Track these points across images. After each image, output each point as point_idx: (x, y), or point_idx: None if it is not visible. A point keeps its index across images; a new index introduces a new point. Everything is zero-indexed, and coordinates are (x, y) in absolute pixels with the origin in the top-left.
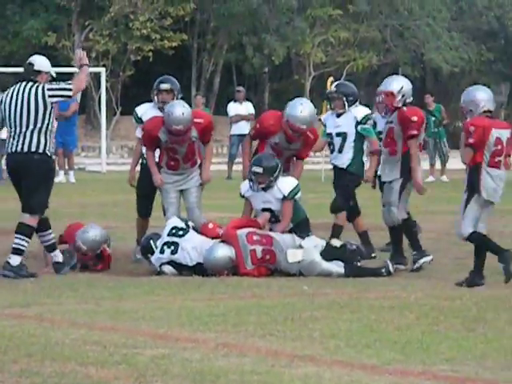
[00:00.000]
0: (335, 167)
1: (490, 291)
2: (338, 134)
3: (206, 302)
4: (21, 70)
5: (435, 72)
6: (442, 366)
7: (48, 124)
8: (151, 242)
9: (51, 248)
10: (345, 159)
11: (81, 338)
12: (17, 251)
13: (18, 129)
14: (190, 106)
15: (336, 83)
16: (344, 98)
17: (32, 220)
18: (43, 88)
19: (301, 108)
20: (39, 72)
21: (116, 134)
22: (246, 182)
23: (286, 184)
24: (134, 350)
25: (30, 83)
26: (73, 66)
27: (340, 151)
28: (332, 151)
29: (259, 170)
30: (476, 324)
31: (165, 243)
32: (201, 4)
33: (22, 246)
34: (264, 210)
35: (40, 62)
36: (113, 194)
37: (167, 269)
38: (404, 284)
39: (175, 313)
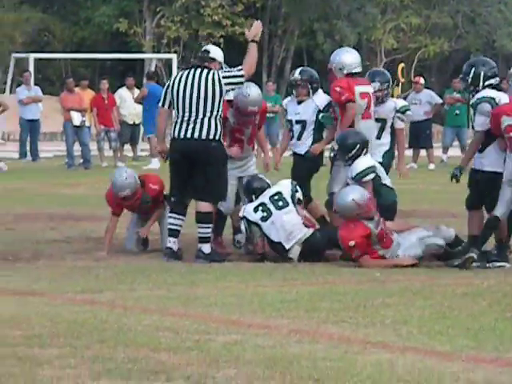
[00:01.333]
0: (294, 154)
1: None
2: (298, 122)
3: (278, 288)
4: (92, 55)
5: (507, 58)
6: None
7: (221, 111)
8: (253, 190)
9: (173, 233)
10: (303, 147)
11: (153, 324)
12: (204, 240)
13: (193, 115)
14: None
15: (300, 69)
16: (309, 86)
17: (209, 207)
18: (219, 75)
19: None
20: (213, 60)
21: None
22: None
23: (357, 165)
24: (206, 336)
25: (205, 70)
26: (144, 52)
27: (299, 139)
28: (291, 138)
29: (335, 145)
30: None
31: (262, 204)
32: None
33: (208, 233)
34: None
35: (215, 51)
36: None
37: (243, 227)
38: (476, 271)
39: (247, 299)
